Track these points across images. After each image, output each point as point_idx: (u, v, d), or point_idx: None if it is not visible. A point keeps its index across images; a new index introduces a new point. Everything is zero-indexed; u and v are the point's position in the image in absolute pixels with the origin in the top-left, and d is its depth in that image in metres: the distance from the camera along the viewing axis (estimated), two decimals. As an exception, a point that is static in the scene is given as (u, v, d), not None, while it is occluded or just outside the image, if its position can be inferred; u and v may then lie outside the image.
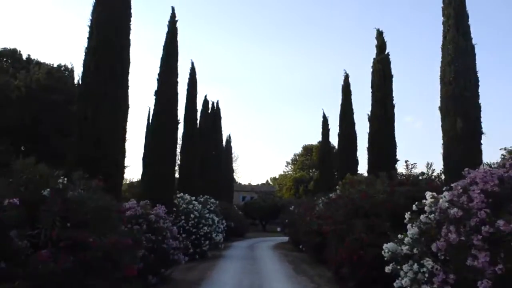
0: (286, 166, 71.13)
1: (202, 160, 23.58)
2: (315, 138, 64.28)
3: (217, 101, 30.03)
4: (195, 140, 19.52)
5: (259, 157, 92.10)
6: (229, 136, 38.41)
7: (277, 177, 72.04)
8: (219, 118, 30.01)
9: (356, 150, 19.51)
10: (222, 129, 30.46)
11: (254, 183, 64.07)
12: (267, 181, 72.26)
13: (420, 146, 71.06)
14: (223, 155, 33.75)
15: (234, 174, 55.94)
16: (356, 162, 19.33)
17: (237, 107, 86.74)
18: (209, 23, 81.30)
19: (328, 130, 24.49)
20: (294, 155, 69.15)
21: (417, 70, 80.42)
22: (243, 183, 61.55)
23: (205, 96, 25.74)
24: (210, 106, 28.27)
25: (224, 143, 36.54)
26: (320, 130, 24.72)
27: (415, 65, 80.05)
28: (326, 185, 23.05)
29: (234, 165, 55.52)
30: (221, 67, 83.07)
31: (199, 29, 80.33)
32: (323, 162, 24.45)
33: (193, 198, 16.05)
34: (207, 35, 78.99)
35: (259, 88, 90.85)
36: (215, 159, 28.56)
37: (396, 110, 14.08)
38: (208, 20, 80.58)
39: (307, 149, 65.94)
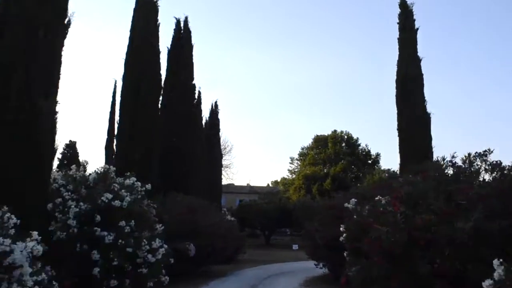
0: (291, 163, 57.34)
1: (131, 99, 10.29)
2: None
3: (186, 17, 16.70)
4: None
5: (257, 161, 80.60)
6: (215, 105, 25.01)
7: (279, 180, 60.18)
8: (189, 47, 16.56)
9: None
10: (195, 77, 17.04)
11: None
12: (268, 185, 58.77)
13: None
14: (204, 127, 20.60)
15: (227, 168, 43.27)
16: None
17: (234, 110, 74.34)
18: (206, 27, 69.66)
19: (416, 30, 11.20)
20: (302, 148, 55.48)
21: None
22: (240, 185, 48.22)
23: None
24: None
25: (207, 115, 23.67)
26: (397, 32, 11.41)
27: None
28: (415, 147, 9.95)
29: (227, 157, 42.87)
30: (219, 70, 71.51)
31: (197, 31, 68.09)
32: (405, 97, 11.01)
33: None
34: (204, 37, 67.05)
35: (257, 92, 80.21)
36: (182, 122, 15.32)
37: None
38: (205, 23, 69.01)
39: (319, 140, 52.55)
